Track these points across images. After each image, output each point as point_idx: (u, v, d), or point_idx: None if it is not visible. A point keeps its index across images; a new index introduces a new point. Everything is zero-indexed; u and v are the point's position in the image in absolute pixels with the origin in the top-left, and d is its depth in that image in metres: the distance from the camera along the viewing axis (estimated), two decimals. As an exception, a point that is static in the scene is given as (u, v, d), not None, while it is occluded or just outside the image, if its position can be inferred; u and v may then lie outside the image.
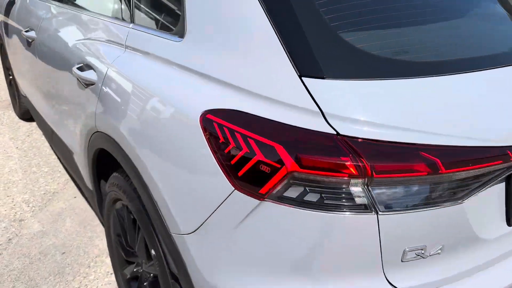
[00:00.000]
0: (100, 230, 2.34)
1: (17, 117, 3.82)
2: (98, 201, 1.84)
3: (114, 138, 1.34)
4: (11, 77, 3.80)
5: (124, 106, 1.28)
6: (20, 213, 2.47)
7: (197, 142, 1.01)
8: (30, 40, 2.32)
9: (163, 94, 1.16)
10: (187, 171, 1.07)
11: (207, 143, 0.98)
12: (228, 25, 1.05)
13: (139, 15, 1.42)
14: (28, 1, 2.64)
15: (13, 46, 2.96)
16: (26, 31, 2.35)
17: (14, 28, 2.81)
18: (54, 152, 3.14)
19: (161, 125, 1.14)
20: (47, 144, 3.33)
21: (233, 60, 1.02)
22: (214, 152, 0.97)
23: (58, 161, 3.06)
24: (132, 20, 1.44)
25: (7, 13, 3.00)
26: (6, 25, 3.10)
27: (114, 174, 1.52)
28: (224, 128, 0.97)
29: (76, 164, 2.04)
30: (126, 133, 1.25)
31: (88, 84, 1.52)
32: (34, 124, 3.70)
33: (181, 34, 1.18)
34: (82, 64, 1.58)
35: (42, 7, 2.32)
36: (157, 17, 1.35)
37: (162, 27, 1.30)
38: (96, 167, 1.70)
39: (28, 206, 2.54)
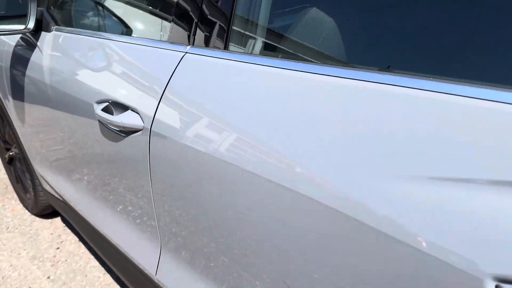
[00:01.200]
0: None
1: (26, 212, 2.57)
2: None
3: None
4: (11, 153, 2.56)
5: None
6: None
7: None
8: (116, 128, 1.16)
9: None
10: None
11: None
12: None
13: None
14: (89, 42, 1.45)
15: (34, 121, 1.76)
16: (104, 109, 1.19)
17: (41, 95, 1.61)
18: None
19: None
20: (92, 263, 2.11)
21: None
22: None
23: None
24: None
25: (21, 65, 1.79)
26: (15, 84, 1.88)
27: None
28: None
29: None
30: None
31: None
32: (56, 221, 2.46)
33: None
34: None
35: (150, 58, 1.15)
36: None
37: None
38: None
39: None
